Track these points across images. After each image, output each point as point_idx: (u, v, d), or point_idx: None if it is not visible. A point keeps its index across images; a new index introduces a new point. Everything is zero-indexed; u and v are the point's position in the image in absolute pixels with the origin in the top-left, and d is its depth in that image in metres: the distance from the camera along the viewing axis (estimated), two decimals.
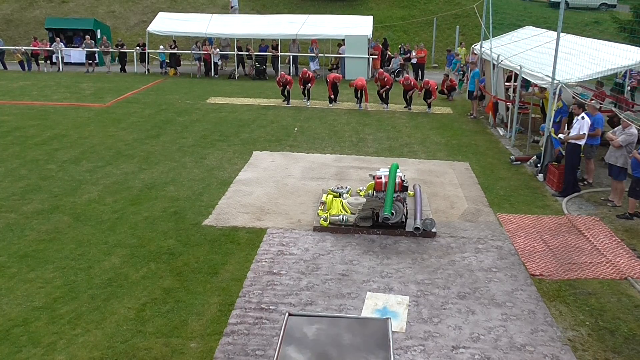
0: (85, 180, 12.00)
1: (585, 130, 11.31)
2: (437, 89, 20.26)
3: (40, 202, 10.75)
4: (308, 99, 20.74)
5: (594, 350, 6.68)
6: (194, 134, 15.91)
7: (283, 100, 20.59)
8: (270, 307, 7.38)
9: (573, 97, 12.50)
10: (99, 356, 6.35)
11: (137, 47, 28.03)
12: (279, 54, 27.06)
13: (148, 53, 27.79)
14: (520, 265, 8.68)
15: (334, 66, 28.49)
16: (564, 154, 11.92)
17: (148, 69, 27.90)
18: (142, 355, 6.38)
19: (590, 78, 13.16)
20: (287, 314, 5.92)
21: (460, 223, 10.20)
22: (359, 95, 20.06)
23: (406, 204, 9.78)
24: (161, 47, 27.83)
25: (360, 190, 11.06)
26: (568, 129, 12.13)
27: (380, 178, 9.81)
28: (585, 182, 12.24)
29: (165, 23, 27.83)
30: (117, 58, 28.79)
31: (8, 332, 6.73)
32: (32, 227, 9.64)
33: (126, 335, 6.74)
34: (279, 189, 11.65)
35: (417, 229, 9.42)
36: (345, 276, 8.21)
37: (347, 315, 6.71)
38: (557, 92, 12.73)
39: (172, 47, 27.73)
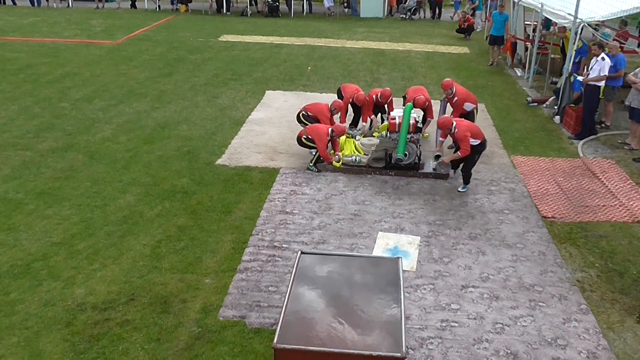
0: (98, 118, 12.02)
1: (606, 72, 11.03)
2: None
3: (54, 140, 10.82)
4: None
5: (602, 291, 6.75)
6: (206, 73, 15.76)
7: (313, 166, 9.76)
8: (283, 245, 7.49)
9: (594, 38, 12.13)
10: (116, 290, 6.54)
11: None
12: None
13: None
14: (533, 208, 8.68)
15: (345, 4, 27.79)
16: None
17: (159, 5, 27.37)
18: (158, 290, 6.56)
19: (615, 17, 12.70)
20: (299, 252, 6.01)
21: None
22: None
23: (420, 145, 9.71)
24: None
25: (375, 131, 10.98)
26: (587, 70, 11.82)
27: (394, 119, 9.72)
28: (603, 125, 12.04)
29: None
30: None
31: (28, 267, 6.92)
32: (48, 165, 9.75)
33: (142, 270, 6.91)
34: (292, 129, 11.59)
35: (434, 168, 9.41)
36: (357, 216, 8.27)
37: (359, 254, 6.81)
38: (579, 32, 12.34)
39: None
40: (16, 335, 5.81)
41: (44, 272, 6.83)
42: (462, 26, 21.75)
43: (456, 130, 8.73)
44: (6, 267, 6.89)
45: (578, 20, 12.06)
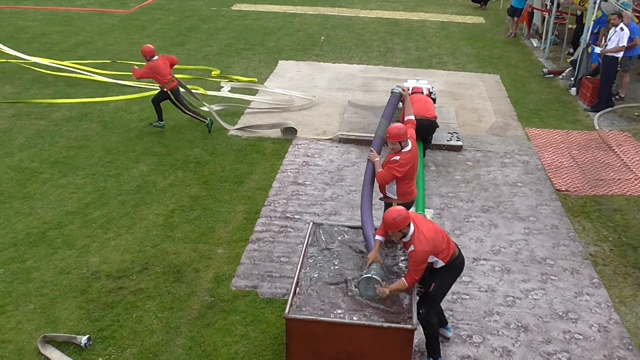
0: (111, 87, 12.00)
1: (625, 43, 10.79)
2: None
3: (68, 109, 10.85)
4: None
5: (615, 265, 6.72)
6: (219, 42, 15.63)
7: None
8: (295, 216, 7.52)
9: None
10: (130, 259, 6.62)
11: None
12: None
13: None
14: (546, 181, 8.61)
15: None
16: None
17: None
18: (172, 259, 6.63)
19: None
20: (311, 223, 6.03)
21: (488, 137, 10.06)
22: None
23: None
24: None
25: None
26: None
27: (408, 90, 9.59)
28: (617, 97, 11.82)
29: None
30: None
31: (44, 235, 7.02)
32: (62, 134, 9.80)
33: (155, 240, 6.98)
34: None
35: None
36: None
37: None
38: (598, 1, 12.03)
39: None
40: (32, 302, 5.92)
41: (59, 240, 6.93)
42: None
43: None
44: (22, 235, 6.99)
45: None
